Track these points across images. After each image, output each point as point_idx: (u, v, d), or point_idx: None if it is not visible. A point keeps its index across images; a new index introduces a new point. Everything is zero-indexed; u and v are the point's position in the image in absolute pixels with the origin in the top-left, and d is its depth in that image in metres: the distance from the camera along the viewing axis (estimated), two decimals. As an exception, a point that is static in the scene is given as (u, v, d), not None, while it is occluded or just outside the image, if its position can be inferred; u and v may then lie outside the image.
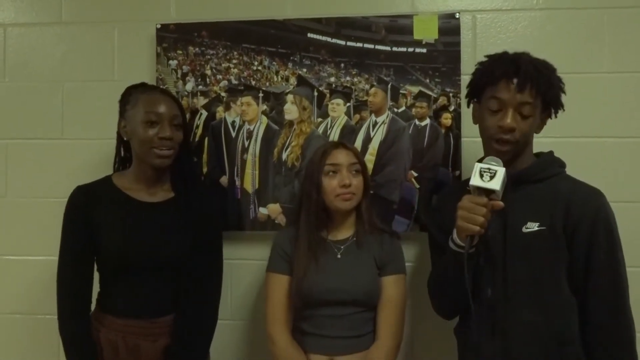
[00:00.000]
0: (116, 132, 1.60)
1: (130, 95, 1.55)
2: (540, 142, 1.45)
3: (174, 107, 1.54)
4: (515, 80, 1.29)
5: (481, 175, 1.20)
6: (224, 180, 1.88)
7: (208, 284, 1.58)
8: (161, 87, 1.84)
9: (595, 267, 1.28)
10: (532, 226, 1.31)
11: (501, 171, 1.21)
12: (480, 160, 1.30)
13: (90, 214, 1.51)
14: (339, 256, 1.59)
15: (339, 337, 1.54)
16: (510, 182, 1.31)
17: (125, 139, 1.56)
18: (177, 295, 1.52)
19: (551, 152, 1.43)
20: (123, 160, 1.63)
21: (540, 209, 1.32)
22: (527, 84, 1.29)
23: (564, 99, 1.38)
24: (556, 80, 1.36)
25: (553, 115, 1.40)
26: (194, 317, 1.52)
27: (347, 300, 1.54)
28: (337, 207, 1.59)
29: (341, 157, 1.59)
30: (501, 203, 1.23)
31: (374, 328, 1.59)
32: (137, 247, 1.49)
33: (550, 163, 1.40)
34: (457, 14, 1.82)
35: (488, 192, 1.22)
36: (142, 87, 1.58)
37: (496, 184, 1.19)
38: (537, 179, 1.36)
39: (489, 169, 1.20)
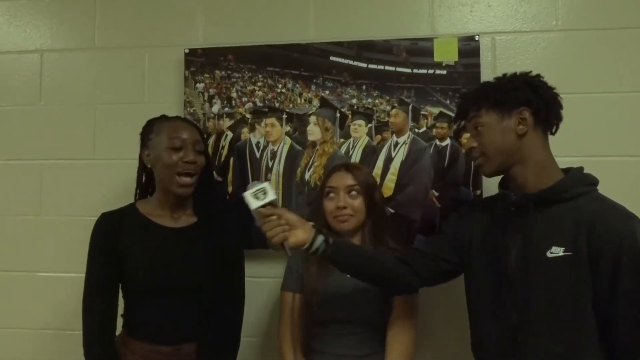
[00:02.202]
0: (138, 163, 1.63)
1: (153, 126, 1.59)
2: (564, 162, 1.43)
3: (196, 133, 1.59)
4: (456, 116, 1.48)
5: (257, 198, 1.30)
6: (248, 199, 1.92)
7: (231, 309, 1.60)
8: (182, 115, 1.89)
9: (620, 299, 1.20)
10: (557, 251, 1.26)
11: (265, 184, 1.32)
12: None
13: (115, 240, 1.54)
14: (348, 275, 1.59)
15: (347, 355, 1.54)
16: (532, 202, 1.31)
17: (149, 166, 1.59)
18: (200, 321, 1.53)
19: (580, 169, 1.36)
20: (144, 189, 1.66)
21: (565, 232, 1.26)
22: (461, 108, 1.44)
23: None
24: (495, 87, 1.38)
25: (530, 114, 1.33)
26: (217, 343, 1.53)
27: (355, 318, 1.55)
28: (335, 228, 1.61)
29: (339, 180, 1.62)
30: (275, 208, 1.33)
31: (384, 347, 1.57)
32: (161, 272, 1.51)
33: (577, 181, 1.32)
34: (477, 36, 1.85)
35: (270, 205, 1.31)
36: (163, 118, 1.63)
37: (271, 195, 1.30)
38: (562, 199, 1.30)
39: (257, 189, 1.31)
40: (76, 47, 2.10)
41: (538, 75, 1.39)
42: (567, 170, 1.37)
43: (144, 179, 1.66)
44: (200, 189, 1.60)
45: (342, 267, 1.44)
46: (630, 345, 1.21)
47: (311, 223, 1.38)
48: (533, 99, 1.33)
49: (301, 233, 1.33)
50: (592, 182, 1.34)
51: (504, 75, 1.41)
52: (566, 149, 1.71)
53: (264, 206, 1.30)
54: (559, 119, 1.38)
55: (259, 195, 1.30)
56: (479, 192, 1.81)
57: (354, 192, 1.60)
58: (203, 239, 1.57)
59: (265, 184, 1.32)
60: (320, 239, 1.35)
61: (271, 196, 1.30)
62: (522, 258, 1.31)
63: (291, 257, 1.29)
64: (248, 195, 1.31)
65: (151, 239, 1.56)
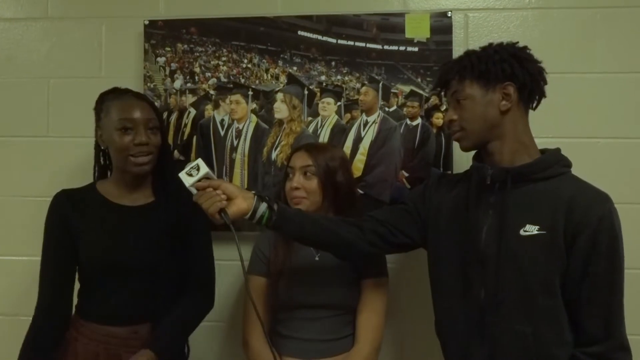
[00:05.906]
0: (94, 141, 1.56)
1: (103, 103, 1.51)
2: (536, 143, 1.42)
3: (148, 110, 1.50)
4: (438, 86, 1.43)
5: (190, 175, 1.30)
6: (212, 179, 1.86)
7: (200, 284, 1.56)
8: (142, 91, 1.81)
9: (593, 277, 1.20)
10: (531, 229, 1.24)
11: (197, 160, 1.32)
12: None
13: (71, 219, 1.49)
14: (316, 258, 1.56)
15: (315, 340, 1.51)
16: (509, 177, 1.28)
17: (102, 147, 1.54)
18: (158, 301, 1.49)
19: (557, 150, 1.34)
20: (103, 168, 1.60)
21: (541, 211, 1.25)
22: (443, 77, 1.38)
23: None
24: (480, 57, 1.31)
25: (515, 90, 1.28)
26: (183, 316, 1.50)
27: (323, 303, 1.52)
28: None
29: (296, 160, 1.58)
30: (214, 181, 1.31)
31: (354, 331, 1.54)
32: (116, 251, 1.47)
33: (555, 161, 1.30)
34: (449, 12, 1.80)
35: (205, 179, 1.31)
36: (113, 93, 1.54)
37: (204, 169, 1.30)
38: (539, 178, 1.28)
39: (190, 167, 1.31)
40: (27, 17, 1.97)
41: (525, 48, 1.34)
42: (543, 151, 1.35)
43: (102, 158, 1.59)
44: (158, 167, 1.54)
45: (288, 232, 1.40)
46: (597, 327, 1.21)
47: (253, 192, 1.35)
48: (519, 74, 1.29)
49: (242, 201, 1.29)
50: (568, 164, 1.34)
51: (490, 44, 1.35)
52: (538, 129, 1.68)
53: (199, 181, 1.30)
54: (542, 95, 1.35)
55: (193, 172, 1.30)
56: (449, 172, 1.77)
57: (309, 173, 1.55)
58: (160, 217, 1.51)
59: (198, 160, 1.31)
60: (264, 206, 1.32)
61: (204, 170, 1.29)
62: (494, 235, 1.28)
63: (230, 224, 1.28)
64: (182, 174, 1.31)
65: (107, 217, 1.50)
